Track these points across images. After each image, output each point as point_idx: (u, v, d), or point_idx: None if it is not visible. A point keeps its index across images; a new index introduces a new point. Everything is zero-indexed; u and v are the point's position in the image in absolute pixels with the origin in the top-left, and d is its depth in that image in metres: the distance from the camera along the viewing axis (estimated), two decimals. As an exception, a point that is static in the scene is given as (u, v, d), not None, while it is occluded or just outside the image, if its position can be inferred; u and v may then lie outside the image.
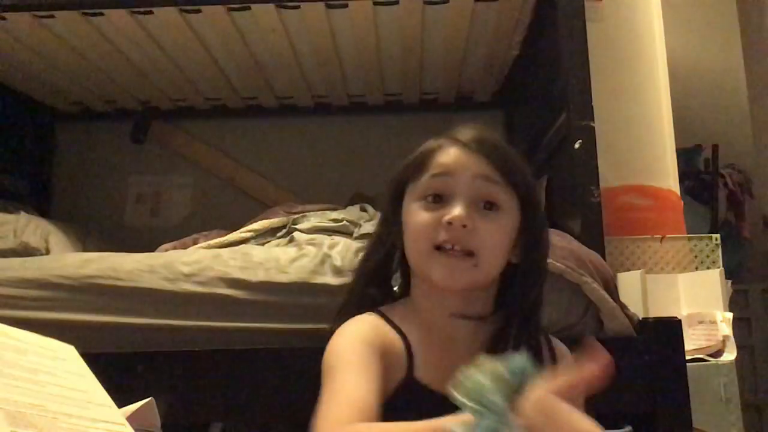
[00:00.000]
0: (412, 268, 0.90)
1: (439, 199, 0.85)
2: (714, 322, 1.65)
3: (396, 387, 0.82)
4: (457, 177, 0.84)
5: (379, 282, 0.94)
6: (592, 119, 1.59)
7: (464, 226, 0.81)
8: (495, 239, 0.84)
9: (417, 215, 0.85)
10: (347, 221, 1.69)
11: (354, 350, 0.81)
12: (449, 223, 0.82)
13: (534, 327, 0.90)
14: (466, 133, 0.88)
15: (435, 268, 0.84)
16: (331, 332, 0.89)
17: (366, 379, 0.78)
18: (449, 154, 0.86)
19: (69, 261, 1.43)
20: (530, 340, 0.88)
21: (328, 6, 1.87)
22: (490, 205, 0.84)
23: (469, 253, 0.83)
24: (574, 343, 1.29)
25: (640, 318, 1.36)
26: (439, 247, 0.83)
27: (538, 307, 0.90)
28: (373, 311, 0.90)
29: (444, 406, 0.69)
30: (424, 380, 0.83)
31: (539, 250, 0.89)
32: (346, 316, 0.90)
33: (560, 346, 0.95)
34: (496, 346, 0.86)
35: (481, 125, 0.91)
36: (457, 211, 0.81)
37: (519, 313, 0.87)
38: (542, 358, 0.89)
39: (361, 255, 0.98)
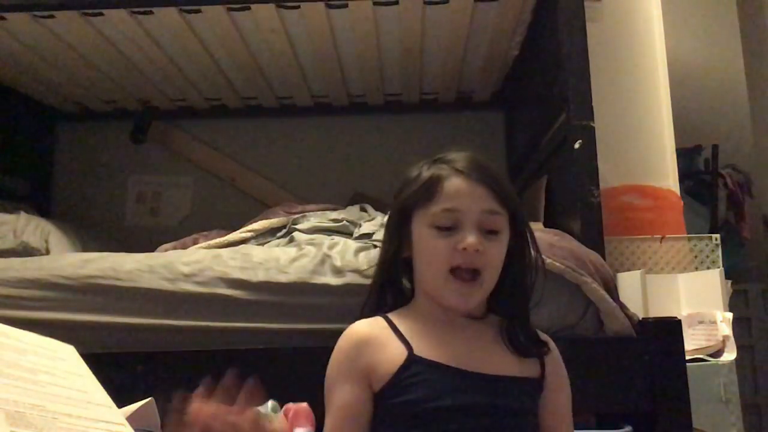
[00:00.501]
0: (420, 284, 1.01)
1: (448, 226, 0.97)
2: (714, 322, 1.65)
3: (400, 365, 0.93)
4: (466, 211, 0.96)
5: (390, 291, 1.05)
6: (592, 119, 1.59)
7: (476, 250, 0.94)
8: (497, 259, 0.98)
9: (432, 242, 0.97)
10: (347, 221, 1.69)
11: (332, 387, 0.96)
12: (464, 248, 0.94)
13: (527, 321, 1.01)
14: (464, 160, 1.00)
15: (449, 294, 0.96)
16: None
17: (336, 419, 0.94)
18: (456, 186, 0.98)
19: (69, 261, 1.43)
20: (527, 332, 0.99)
21: (328, 6, 1.87)
22: (492, 229, 0.97)
23: (476, 271, 0.95)
24: (574, 342, 1.30)
25: (640, 318, 1.36)
26: (452, 270, 0.96)
27: (528, 303, 1.02)
28: (380, 316, 1.01)
29: (448, 373, 0.90)
30: (426, 356, 0.94)
31: (526, 256, 1.02)
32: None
33: (547, 338, 1.04)
34: (505, 342, 0.97)
35: (471, 150, 1.03)
36: (470, 239, 0.94)
37: (514, 312, 1.00)
38: (537, 349, 0.99)
39: (373, 269, 1.09)
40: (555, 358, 1.00)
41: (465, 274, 0.95)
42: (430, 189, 0.98)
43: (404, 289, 1.05)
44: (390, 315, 1.01)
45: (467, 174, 0.98)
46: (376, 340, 0.96)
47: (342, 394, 0.94)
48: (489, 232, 0.96)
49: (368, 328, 0.99)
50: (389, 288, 1.05)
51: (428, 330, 0.97)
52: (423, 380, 0.90)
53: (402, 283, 1.04)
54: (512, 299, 1.00)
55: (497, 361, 0.94)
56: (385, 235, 1.07)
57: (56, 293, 1.35)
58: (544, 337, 1.02)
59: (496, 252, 0.97)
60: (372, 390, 0.94)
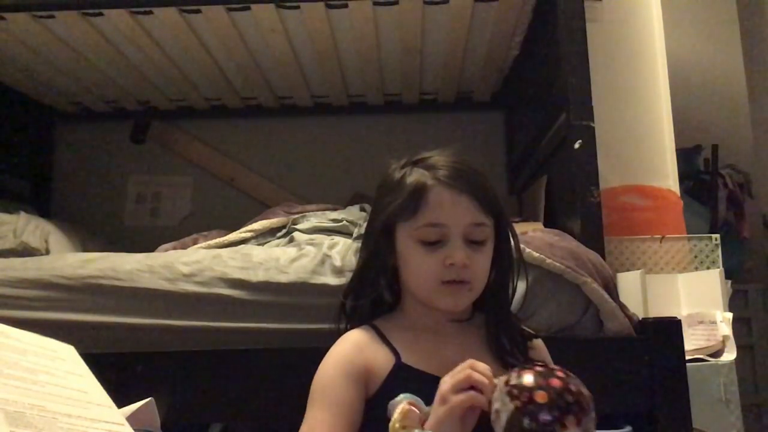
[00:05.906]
0: (407, 291, 1.02)
1: (434, 241, 0.97)
2: (714, 322, 1.65)
3: (388, 373, 0.95)
4: (452, 225, 0.97)
5: (373, 300, 1.06)
6: (592, 119, 1.59)
7: (464, 264, 0.95)
8: (484, 267, 1.00)
9: (421, 259, 0.98)
10: (347, 221, 1.69)
11: (329, 384, 0.95)
12: (451, 264, 0.95)
13: (509, 323, 1.03)
14: (446, 167, 0.99)
15: (442, 300, 0.98)
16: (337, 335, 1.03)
17: (332, 415, 0.93)
18: (440, 199, 0.97)
19: (69, 261, 1.43)
20: (510, 331, 1.02)
21: (328, 6, 1.87)
22: (478, 240, 0.98)
23: (465, 281, 0.97)
24: (574, 342, 1.30)
25: (640, 318, 1.36)
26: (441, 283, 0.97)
27: (509, 303, 1.05)
28: (367, 325, 1.02)
29: (435, 384, 0.85)
30: (413, 365, 0.95)
31: (508, 258, 1.03)
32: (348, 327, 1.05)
33: (536, 341, 1.06)
34: (491, 345, 1.00)
35: (450, 151, 1.02)
36: (458, 255, 0.95)
37: (497, 311, 1.02)
38: (522, 345, 1.02)
39: (353, 278, 1.08)
40: (537, 355, 1.02)
41: (455, 282, 0.97)
42: (414, 202, 0.98)
43: (386, 296, 1.05)
44: (377, 323, 1.02)
45: (450, 184, 0.98)
46: (370, 346, 0.98)
47: (342, 392, 0.94)
48: (474, 242, 0.98)
49: (363, 334, 1.00)
50: (374, 296, 1.04)
51: (416, 339, 0.98)
52: (410, 389, 0.89)
53: (384, 291, 1.04)
54: (495, 299, 1.03)
55: None
56: (366, 244, 1.06)
57: (56, 293, 1.35)
58: (531, 336, 1.04)
59: (483, 262, 0.99)
60: (366, 395, 0.94)
